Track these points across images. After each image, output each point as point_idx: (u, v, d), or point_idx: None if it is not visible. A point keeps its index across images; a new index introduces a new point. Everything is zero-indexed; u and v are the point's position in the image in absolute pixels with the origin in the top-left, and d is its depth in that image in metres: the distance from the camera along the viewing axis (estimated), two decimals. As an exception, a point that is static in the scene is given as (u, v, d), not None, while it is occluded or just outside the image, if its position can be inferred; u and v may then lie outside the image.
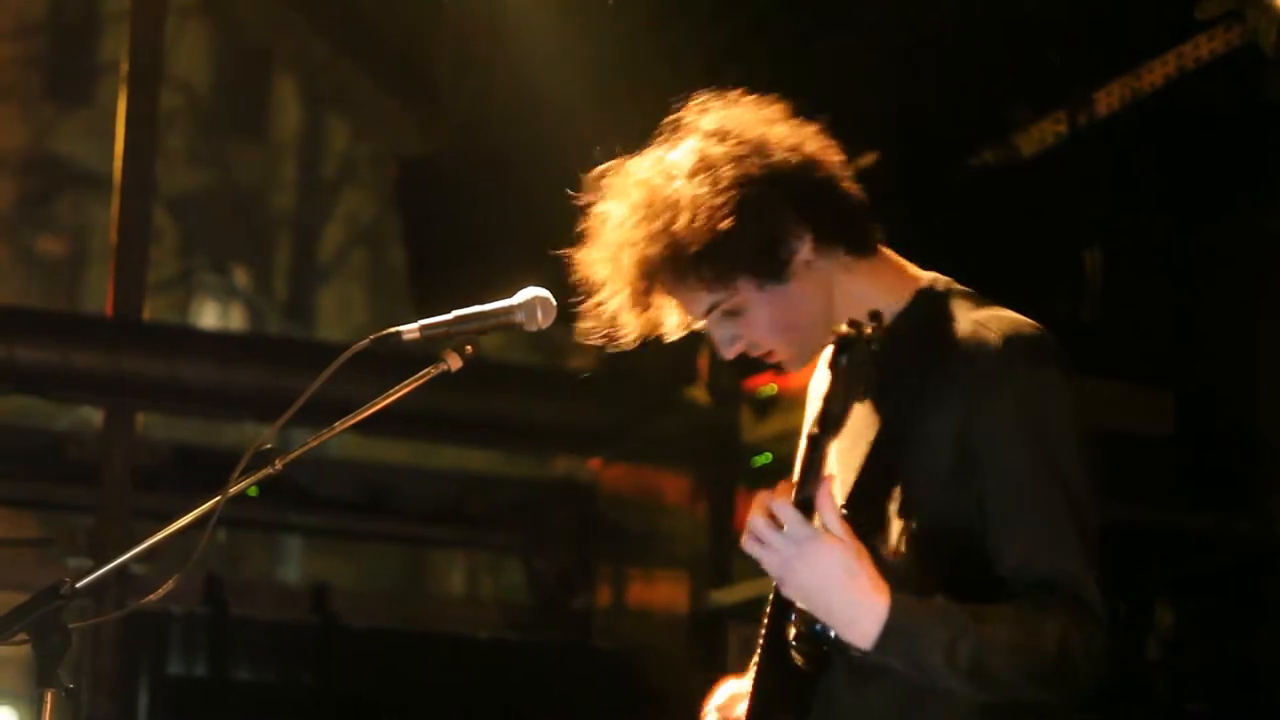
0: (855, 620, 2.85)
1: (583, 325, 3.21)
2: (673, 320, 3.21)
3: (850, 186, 3.14)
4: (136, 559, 3.17)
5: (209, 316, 19.41)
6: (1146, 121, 7.30)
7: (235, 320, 19.39)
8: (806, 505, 2.86)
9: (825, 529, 2.85)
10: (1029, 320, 3.07)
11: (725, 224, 3.01)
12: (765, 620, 3.03)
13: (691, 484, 10.22)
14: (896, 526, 3.01)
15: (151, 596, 3.19)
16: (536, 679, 9.85)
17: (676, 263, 3.05)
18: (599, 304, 3.18)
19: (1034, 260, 7.36)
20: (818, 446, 2.85)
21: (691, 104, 3.18)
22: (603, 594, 11.01)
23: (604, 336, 3.21)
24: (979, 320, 3.04)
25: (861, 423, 3.09)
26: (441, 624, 11.30)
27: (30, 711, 11.46)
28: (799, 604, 2.91)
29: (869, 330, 2.80)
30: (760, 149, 3.07)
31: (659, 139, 3.18)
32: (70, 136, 18.24)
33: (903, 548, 2.99)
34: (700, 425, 9.67)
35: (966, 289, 3.15)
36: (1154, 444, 7.08)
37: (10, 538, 10.86)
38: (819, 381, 3.33)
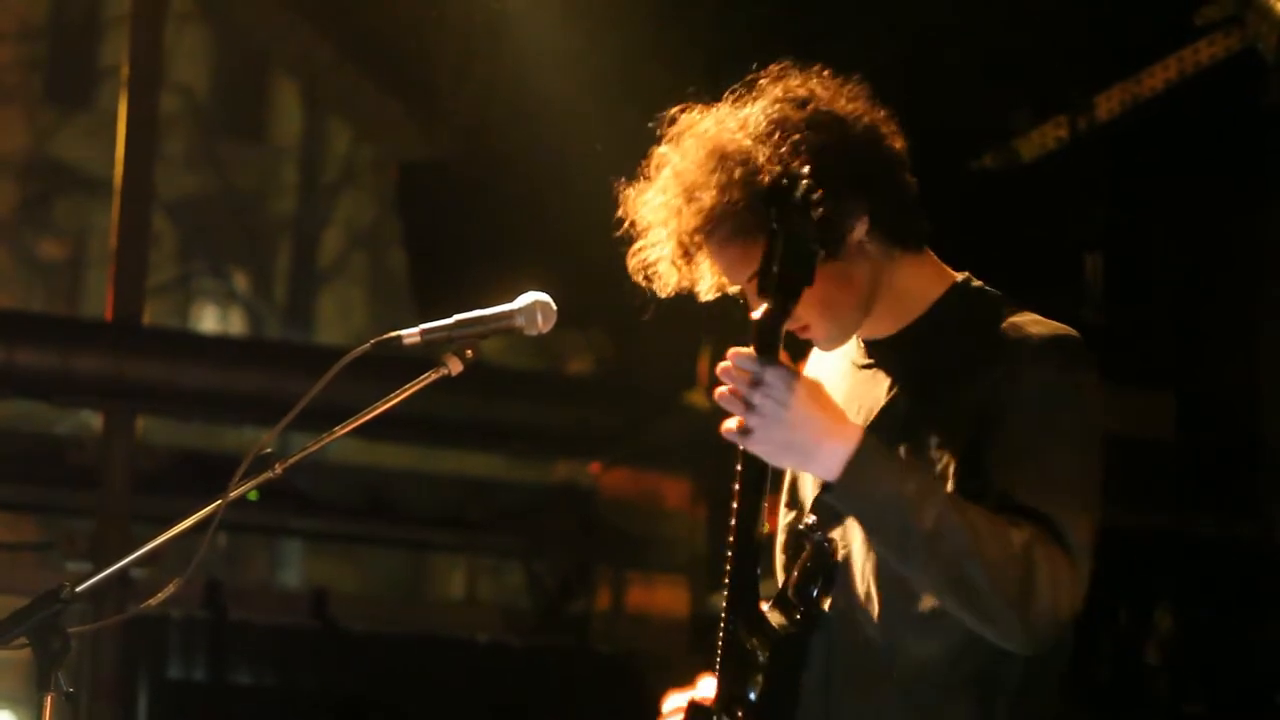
0: (823, 450, 2.80)
1: (630, 263, 3.15)
2: (708, 281, 3.15)
3: (910, 178, 3.13)
4: (136, 563, 3.17)
5: (208, 320, 19.40)
6: (1147, 126, 7.31)
7: (235, 324, 19.38)
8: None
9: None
10: (1067, 326, 3.06)
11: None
12: (726, 606, 2.99)
13: (691, 489, 10.24)
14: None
15: (151, 601, 3.18)
16: (536, 683, 9.85)
17: (742, 216, 2.99)
18: (642, 247, 3.13)
19: (1035, 264, 7.36)
20: (771, 320, 2.79)
21: (769, 70, 3.14)
22: (602, 598, 11.02)
23: (644, 279, 3.15)
24: (1018, 321, 3.04)
25: (879, 395, 3.09)
26: (441, 628, 11.30)
27: (30, 715, 11.46)
28: (762, 450, 2.82)
29: (803, 183, 2.74)
30: (838, 121, 3.05)
31: (730, 97, 3.14)
32: (71, 140, 18.24)
33: None
34: (700, 430, 9.66)
35: (997, 291, 3.15)
36: (1155, 448, 7.09)
37: (11, 542, 10.86)
38: (811, 370, 3.33)
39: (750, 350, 2.80)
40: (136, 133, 9.68)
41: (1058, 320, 3.07)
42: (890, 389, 3.09)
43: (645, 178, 3.14)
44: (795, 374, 2.79)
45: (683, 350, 9.53)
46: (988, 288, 3.16)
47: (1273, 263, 7.36)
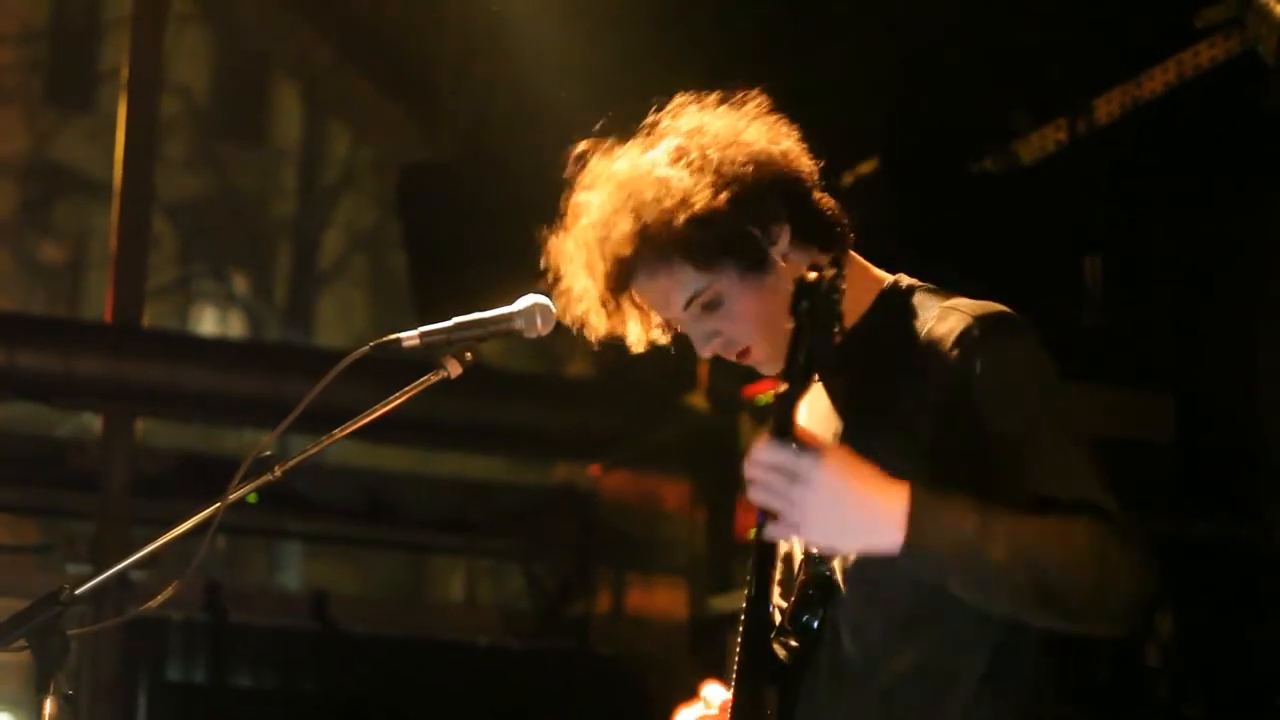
0: (879, 521, 2.72)
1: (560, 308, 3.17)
2: (635, 329, 3.18)
3: (822, 193, 3.15)
4: (136, 565, 3.17)
5: (208, 323, 19.41)
6: (1146, 128, 7.30)
7: (234, 326, 19.38)
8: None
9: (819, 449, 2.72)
10: (995, 303, 3.05)
11: (715, 203, 3.00)
12: (741, 625, 2.99)
13: (691, 491, 10.22)
14: None
15: (151, 603, 3.18)
16: (536, 685, 9.85)
17: (664, 240, 3.02)
18: (568, 297, 3.15)
19: (1035, 266, 7.36)
20: (788, 402, 2.70)
21: (667, 108, 3.18)
22: (602, 600, 11.01)
23: (577, 326, 3.17)
24: (947, 305, 3.05)
25: (824, 412, 3.09)
26: (441, 630, 11.29)
27: (29, 717, 11.46)
28: (818, 540, 2.77)
29: (829, 274, 2.71)
30: (741, 142, 3.08)
31: (633, 140, 3.17)
32: (71, 142, 18.25)
33: None
34: (699, 432, 9.67)
35: (929, 285, 3.14)
36: (1154, 450, 7.09)
37: (11, 544, 10.86)
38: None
39: (772, 444, 2.70)
40: (136, 135, 9.68)
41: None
42: (841, 400, 3.10)
43: (563, 228, 3.16)
44: (822, 452, 2.70)
45: (682, 353, 9.52)
46: (918, 282, 3.16)
47: (1273, 264, 7.35)
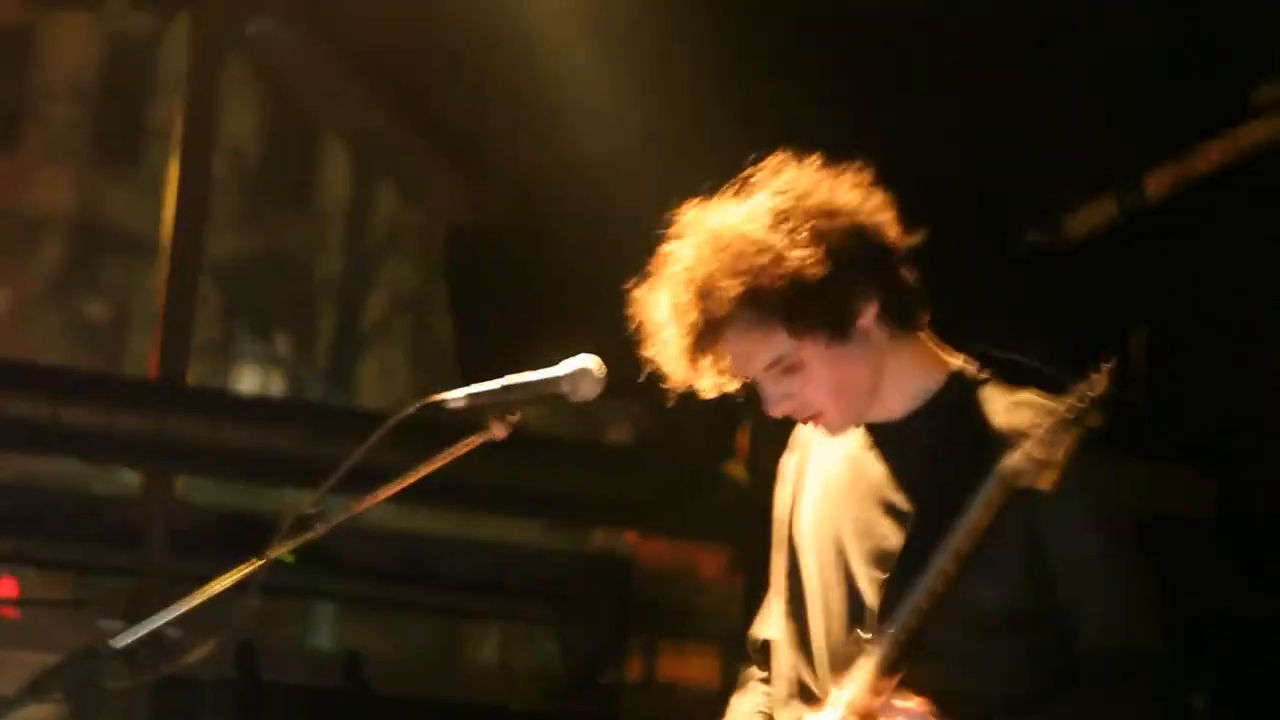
0: None
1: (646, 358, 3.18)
2: (709, 380, 3.18)
3: (909, 266, 3.16)
4: (173, 622, 3.16)
5: (248, 382, 19.43)
6: (1197, 205, 7.29)
7: (275, 387, 19.40)
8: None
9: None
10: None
11: (815, 272, 3.02)
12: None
13: (728, 560, 10.20)
14: (956, 613, 3.01)
15: (185, 659, 3.17)
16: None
17: (770, 305, 3.03)
18: (653, 346, 3.16)
19: (1080, 342, 7.33)
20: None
21: (765, 163, 3.18)
22: (635, 668, 10.98)
23: (657, 376, 3.18)
24: (1022, 402, 3.04)
25: (875, 494, 3.11)
26: (474, 693, 11.26)
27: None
28: None
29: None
30: (839, 210, 3.09)
31: (727, 191, 3.17)
32: (117, 201, 18.33)
33: (963, 637, 3.03)
34: (738, 501, 9.64)
35: (993, 374, 3.15)
36: (1196, 527, 7.07)
37: (48, 599, 10.86)
38: (790, 461, 3.46)
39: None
40: (188, 195, 9.73)
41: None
42: (897, 475, 3.14)
43: (653, 276, 3.16)
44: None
45: (722, 422, 9.51)
46: (981, 373, 3.17)
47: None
